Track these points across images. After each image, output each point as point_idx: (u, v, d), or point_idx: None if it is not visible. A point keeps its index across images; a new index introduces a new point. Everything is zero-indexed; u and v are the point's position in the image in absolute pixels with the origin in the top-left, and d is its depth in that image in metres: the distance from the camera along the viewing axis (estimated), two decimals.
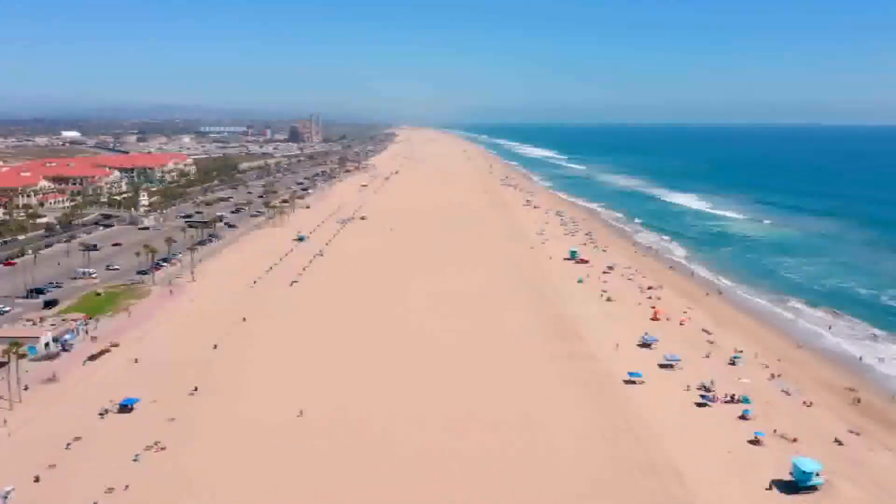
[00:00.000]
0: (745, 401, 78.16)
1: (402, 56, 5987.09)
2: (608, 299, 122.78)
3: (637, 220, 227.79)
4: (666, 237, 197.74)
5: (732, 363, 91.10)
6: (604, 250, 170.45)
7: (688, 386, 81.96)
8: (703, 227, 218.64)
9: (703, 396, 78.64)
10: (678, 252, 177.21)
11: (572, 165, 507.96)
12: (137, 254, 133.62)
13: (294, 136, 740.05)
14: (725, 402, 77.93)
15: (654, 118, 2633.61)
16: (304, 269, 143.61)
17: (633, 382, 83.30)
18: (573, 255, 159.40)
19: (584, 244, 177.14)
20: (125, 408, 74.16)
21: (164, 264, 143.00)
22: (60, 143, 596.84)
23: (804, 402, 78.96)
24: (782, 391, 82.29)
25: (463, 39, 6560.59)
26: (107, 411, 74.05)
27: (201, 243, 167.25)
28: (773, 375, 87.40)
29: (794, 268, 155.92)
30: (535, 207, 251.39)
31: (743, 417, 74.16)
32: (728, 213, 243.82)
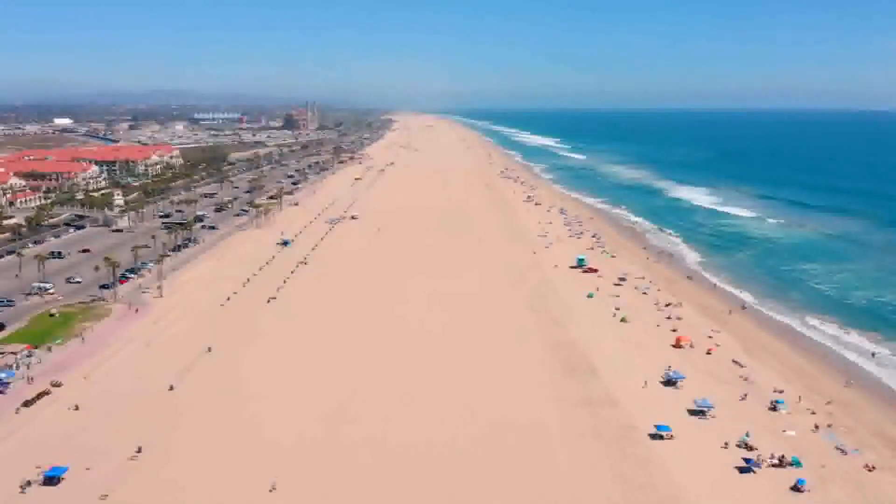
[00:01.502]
0: (796, 463, 65.65)
1: (402, 42, 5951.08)
2: (622, 319, 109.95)
3: (645, 219, 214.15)
4: (677, 239, 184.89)
5: (773, 408, 78.29)
6: (613, 256, 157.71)
7: (725, 443, 69.20)
8: (715, 226, 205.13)
9: (746, 460, 65.91)
10: (691, 257, 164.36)
11: (573, 155, 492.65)
12: (97, 268, 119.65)
13: (289, 124, 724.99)
14: (772, 466, 65.38)
15: (656, 104, 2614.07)
16: (285, 281, 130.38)
17: (661, 437, 70.56)
18: (580, 263, 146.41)
19: (592, 248, 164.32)
20: (51, 479, 61.29)
21: (132, 276, 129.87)
22: (51, 131, 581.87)
23: (865, 466, 66.23)
24: (837, 448, 69.54)
25: (464, 28, 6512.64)
26: (29, 483, 61.22)
27: (177, 249, 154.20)
28: (817, 426, 74.22)
29: (821, 277, 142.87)
30: (536, 204, 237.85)
31: (796, 488, 61.57)
32: (741, 211, 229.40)
